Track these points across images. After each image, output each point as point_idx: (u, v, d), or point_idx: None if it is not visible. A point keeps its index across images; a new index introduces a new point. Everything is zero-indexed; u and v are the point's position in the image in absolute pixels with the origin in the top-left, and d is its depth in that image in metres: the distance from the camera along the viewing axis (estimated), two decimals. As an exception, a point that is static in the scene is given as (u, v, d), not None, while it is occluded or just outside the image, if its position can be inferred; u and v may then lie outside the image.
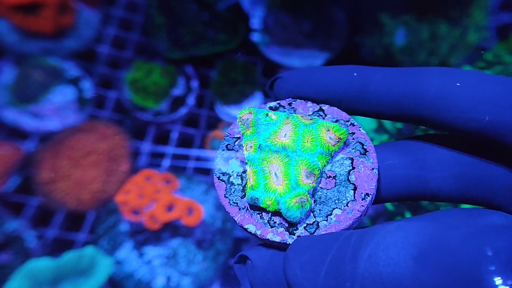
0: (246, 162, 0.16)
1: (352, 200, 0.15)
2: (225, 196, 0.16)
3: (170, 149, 0.55)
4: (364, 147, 0.17)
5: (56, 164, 0.50)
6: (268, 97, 0.19)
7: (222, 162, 0.17)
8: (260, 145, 0.16)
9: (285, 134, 0.16)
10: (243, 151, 0.17)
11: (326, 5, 0.53)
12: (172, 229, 0.46)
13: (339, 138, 0.16)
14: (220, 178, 0.16)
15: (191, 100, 0.56)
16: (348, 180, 0.16)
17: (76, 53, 0.56)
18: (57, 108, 0.53)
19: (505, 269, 0.10)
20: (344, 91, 0.16)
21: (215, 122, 0.55)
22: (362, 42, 0.48)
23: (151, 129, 0.56)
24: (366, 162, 0.16)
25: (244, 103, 0.52)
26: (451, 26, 0.44)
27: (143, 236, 0.47)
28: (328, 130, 0.16)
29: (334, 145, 0.16)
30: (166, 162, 0.54)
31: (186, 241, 0.46)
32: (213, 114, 0.56)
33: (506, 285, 0.09)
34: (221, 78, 0.54)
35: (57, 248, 0.48)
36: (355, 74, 0.16)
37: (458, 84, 0.14)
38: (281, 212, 0.15)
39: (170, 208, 0.44)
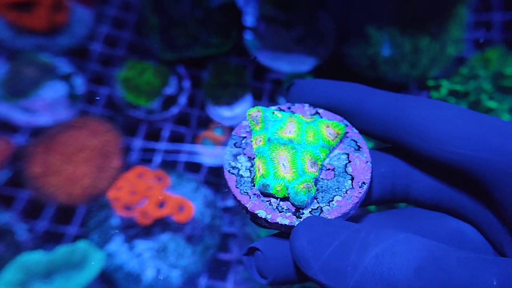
0: (253, 157, 0.18)
1: (351, 188, 0.17)
2: (236, 187, 0.17)
3: (161, 147, 0.56)
4: (358, 144, 0.18)
5: (47, 160, 0.51)
6: (285, 98, 0.22)
7: (231, 158, 0.18)
8: (269, 138, 0.18)
9: (290, 130, 0.18)
10: (250, 148, 0.18)
11: (316, 13, 0.55)
12: (163, 224, 0.47)
13: (337, 133, 0.18)
14: (231, 172, 0.18)
15: (182, 100, 0.57)
16: (346, 171, 0.18)
17: (69, 50, 0.56)
18: (49, 103, 0.54)
19: None
20: (344, 105, 0.18)
21: (206, 122, 0.56)
22: (348, 52, 0.50)
23: (143, 126, 0.57)
24: (360, 156, 0.18)
25: (235, 105, 0.53)
26: (431, 40, 0.47)
27: (134, 231, 0.48)
28: (328, 127, 0.18)
29: (333, 140, 0.18)
30: (157, 159, 0.55)
31: (176, 236, 0.48)
32: (204, 114, 0.57)
33: None
34: (213, 80, 0.55)
35: (48, 241, 0.49)
36: (356, 90, 0.18)
37: (440, 117, 0.15)
38: (288, 198, 0.17)
39: (161, 205, 0.45)
